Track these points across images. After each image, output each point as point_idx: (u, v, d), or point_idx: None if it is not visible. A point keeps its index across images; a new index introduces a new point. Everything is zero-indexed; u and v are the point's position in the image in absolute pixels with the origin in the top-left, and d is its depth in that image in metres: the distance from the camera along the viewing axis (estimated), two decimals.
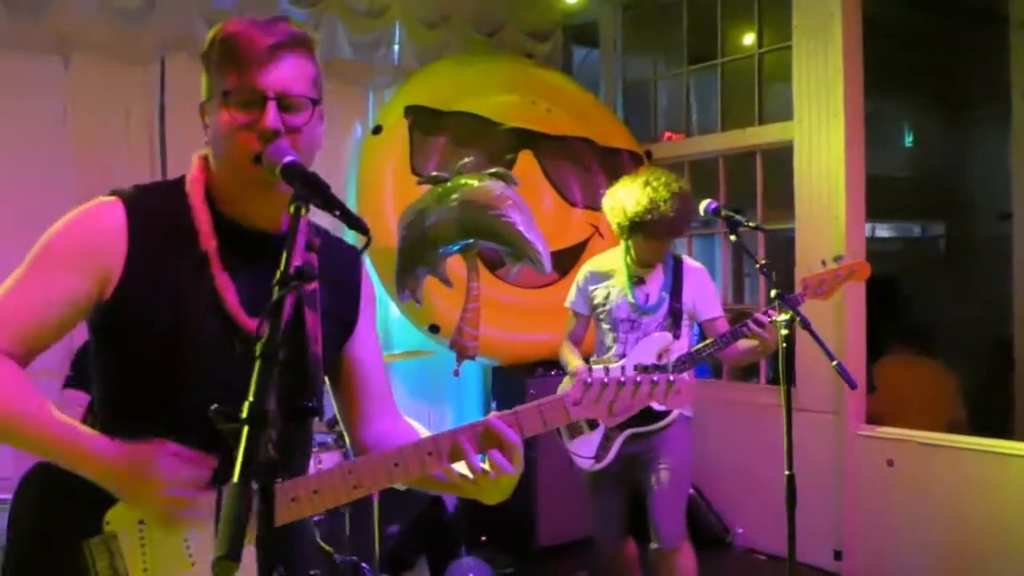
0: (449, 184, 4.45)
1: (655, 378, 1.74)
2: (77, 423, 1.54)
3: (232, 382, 1.48)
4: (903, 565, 4.63)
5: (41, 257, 1.60)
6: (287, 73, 1.58)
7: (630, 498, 3.88)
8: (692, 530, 5.33)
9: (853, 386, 2.75)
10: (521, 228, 4.61)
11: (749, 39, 5.75)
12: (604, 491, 3.84)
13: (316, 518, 3.61)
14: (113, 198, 1.64)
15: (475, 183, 4.45)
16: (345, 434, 1.86)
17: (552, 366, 5.09)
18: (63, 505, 1.58)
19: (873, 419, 4.91)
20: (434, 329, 5.07)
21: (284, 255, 1.33)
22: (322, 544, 1.85)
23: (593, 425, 3.74)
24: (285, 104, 1.57)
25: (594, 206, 5.69)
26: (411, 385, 5.68)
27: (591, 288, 3.84)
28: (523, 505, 5.18)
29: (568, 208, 5.63)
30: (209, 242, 1.60)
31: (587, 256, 5.53)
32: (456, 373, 4.67)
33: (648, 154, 5.95)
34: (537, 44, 6.07)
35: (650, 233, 3.61)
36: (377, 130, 5.23)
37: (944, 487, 4.48)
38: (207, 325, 1.58)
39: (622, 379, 1.71)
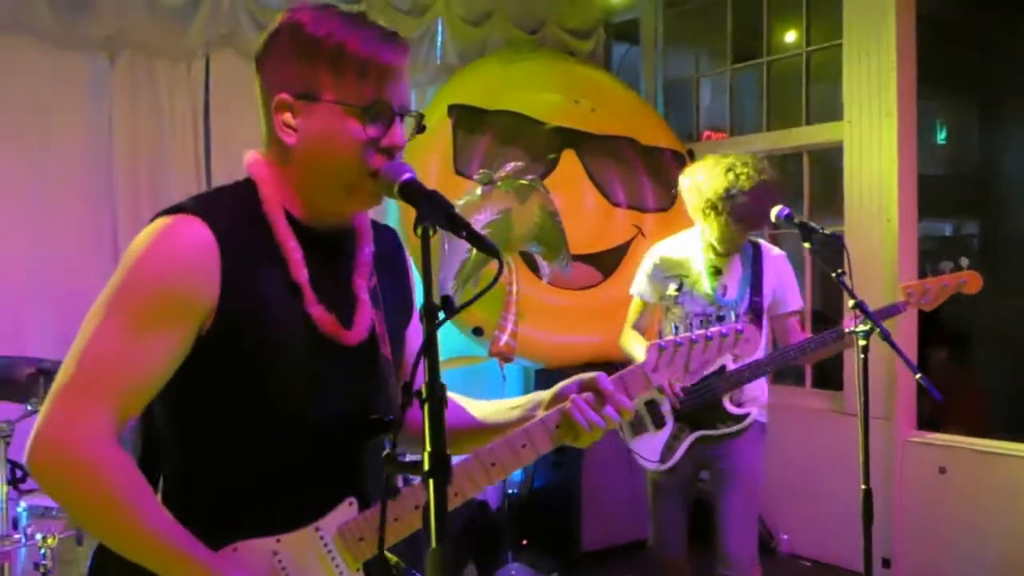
0: (501, 185, 4.38)
1: (724, 330, 1.76)
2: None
3: (328, 394, 1.56)
4: (953, 574, 4.57)
5: (133, 303, 1.41)
6: (407, 90, 1.55)
7: (692, 506, 3.63)
8: None
9: (939, 399, 2.64)
10: (564, 232, 4.59)
11: (796, 36, 5.65)
12: (668, 497, 3.56)
13: None
14: (191, 217, 1.44)
15: (536, 188, 4.42)
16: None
17: (597, 369, 4.99)
18: None
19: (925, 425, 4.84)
20: (477, 332, 5.00)
21: (423, 285, 1.29)
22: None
23: (659, 424, 3.48)
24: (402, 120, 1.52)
25: (637, 206, 5.62)
26: (451, 383, 5.61)
27: (662, 275, 3.54)
28: (566, 509, 5.12)
29: (611, 208, 5.53)
30: (300, 272, 1.50)
31: (630, 258, 5.45)
32: (504, 378, 4.61)
33: (690, 153, 5.86)
34: (579, 41, 5.98)
35: (726, 219, 3.33)
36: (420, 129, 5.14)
37: (997, 495, 4.41)
38: (301, 345, 1.51)
39: (694, 337, 1.74)
